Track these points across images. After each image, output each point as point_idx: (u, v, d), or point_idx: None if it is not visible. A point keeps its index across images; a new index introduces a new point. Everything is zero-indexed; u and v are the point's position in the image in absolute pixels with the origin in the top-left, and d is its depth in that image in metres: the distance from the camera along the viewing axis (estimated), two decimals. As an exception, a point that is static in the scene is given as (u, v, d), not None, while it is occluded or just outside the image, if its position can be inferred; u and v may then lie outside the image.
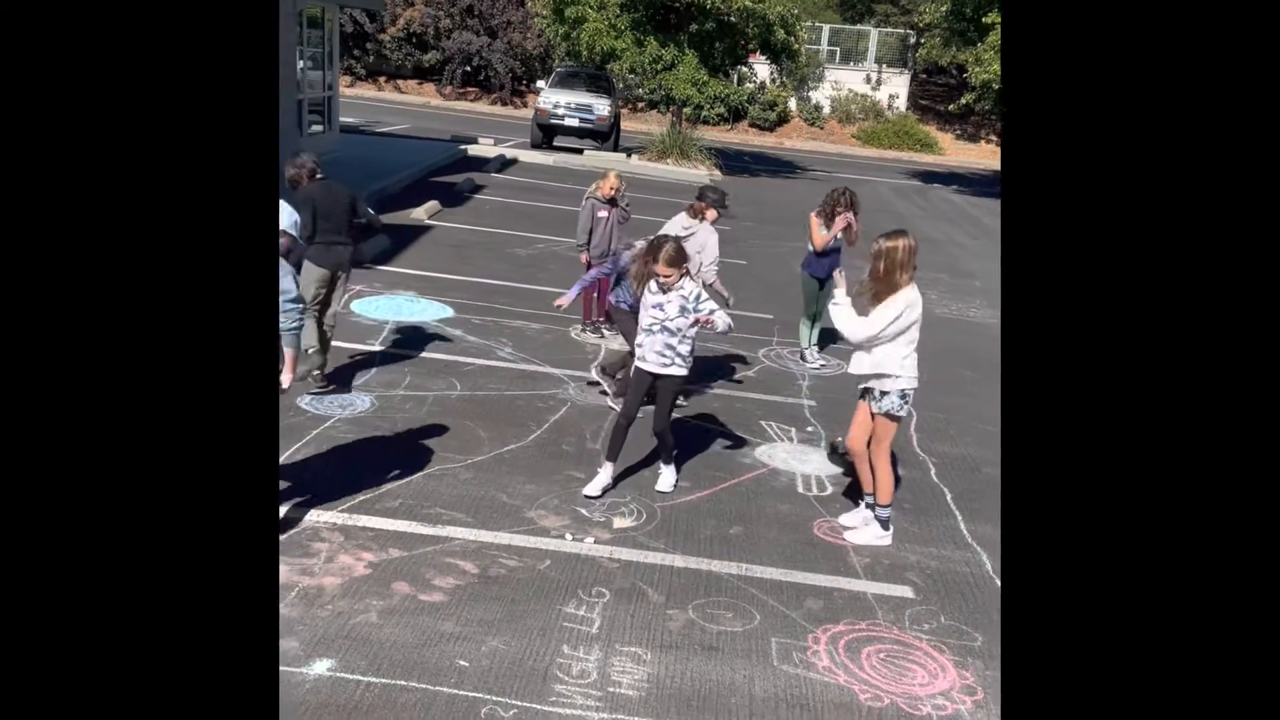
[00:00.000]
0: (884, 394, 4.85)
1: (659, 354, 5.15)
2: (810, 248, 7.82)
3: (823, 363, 8.16)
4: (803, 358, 8.18)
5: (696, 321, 5.10)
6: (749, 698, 3.65)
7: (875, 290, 4.81)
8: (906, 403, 4.89)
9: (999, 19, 20.91)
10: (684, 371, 5.24)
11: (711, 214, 6.98)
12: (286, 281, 4.25)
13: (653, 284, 5.16)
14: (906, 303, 4.74)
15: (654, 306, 5.14)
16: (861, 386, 4.99)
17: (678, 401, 5.89)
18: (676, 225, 6.82)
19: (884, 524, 5.01)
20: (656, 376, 5.19)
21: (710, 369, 7.62)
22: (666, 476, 5.40)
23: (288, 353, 4.30)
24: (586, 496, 5.08)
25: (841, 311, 4.93)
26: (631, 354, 5.70)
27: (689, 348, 5.19)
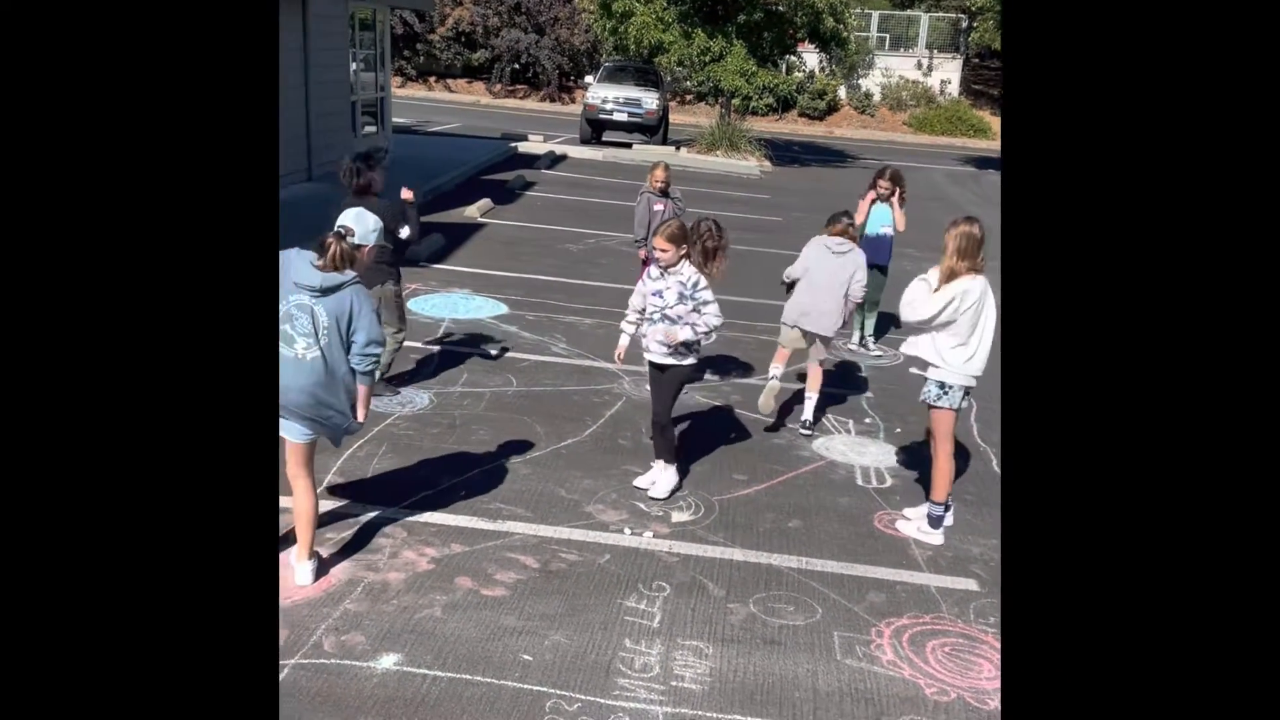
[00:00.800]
0: (925, 381, 4.82)
1: (660, 343, 4.97)
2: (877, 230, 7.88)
3: (879, 353, 8.08)
4: (864, 346, 8.12)
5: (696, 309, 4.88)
6: (813, 692, 3.62)
7: (942, 277, 4.77)
8: (946, 394, 4.74)
9: None
10: (689, 361, 5.01)
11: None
12: (371, 317, 3.91)
13: (653, 269, 5.03)
14: (956, 293, 4.65)
15: (654, 294, 4.98)
16: None
17: (683, 393, 5.39)
18: (820, 249, 6.20)
19: (933, 521, 4.89)
20: (661, 367, 5.03)
21: (765, 361, 7.58)
22: (662, 481, 5.07)
23: (362, 389, 4.03)
24: (653, 499, 5.04)
25: (916, 286, 4.82)
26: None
27: (689, 334, 4.92)
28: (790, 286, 6.36)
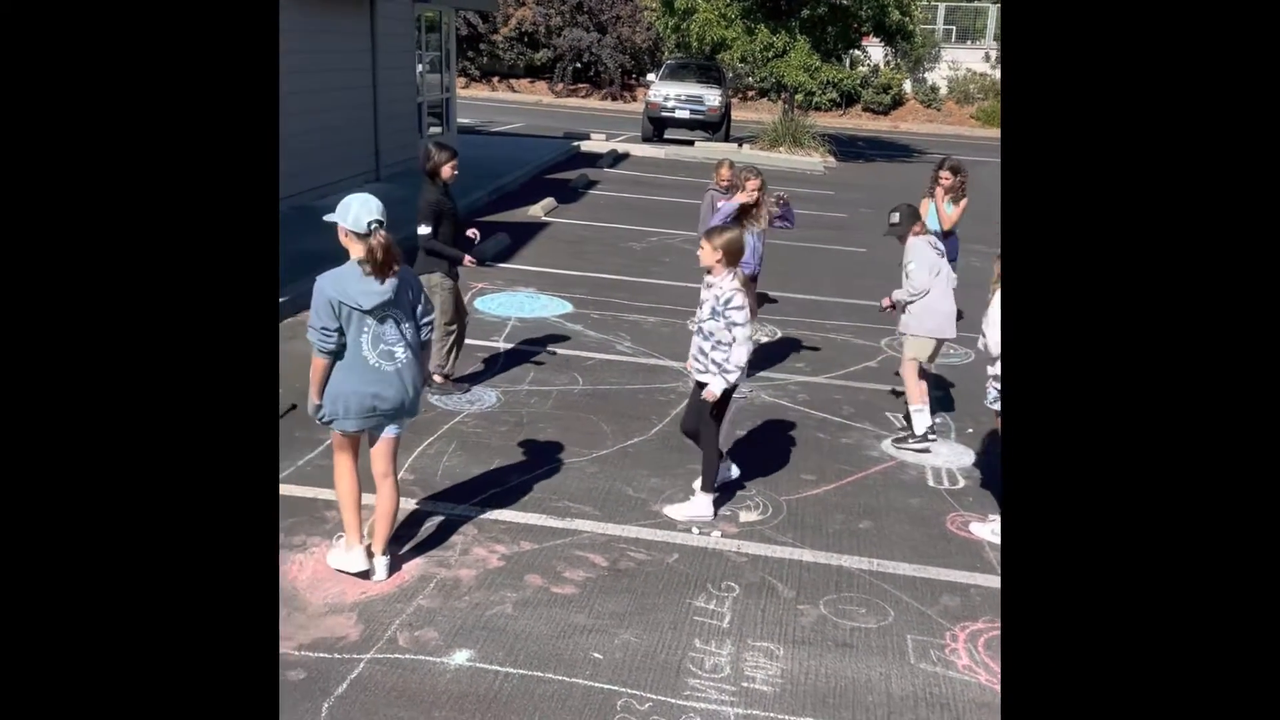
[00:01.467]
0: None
1: (694, 358, 4.69)
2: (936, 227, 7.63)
3: (953, 350, 7.93)
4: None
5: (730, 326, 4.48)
6: (886, 696, 3.57)
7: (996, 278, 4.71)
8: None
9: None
10: (720, 383, 4.55)
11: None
12: (420, 288, 4.05)
13: (707, 277, 4.66)
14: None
15: (700, 304, 4.70)
16: None
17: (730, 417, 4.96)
18: (931, 250, 5.83)
19: None
20: (700, 384, 4.69)
21: (831, 359, 7.51)
22: (688, 505, 4.77)
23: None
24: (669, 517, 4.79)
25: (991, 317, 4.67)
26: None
27: (724, 355, 4.53)
28: (898, 306, 5.95)
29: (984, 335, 4.70)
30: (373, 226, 3.74)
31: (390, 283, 3.79)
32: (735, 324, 4.52)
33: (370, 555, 4.06)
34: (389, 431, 4.00)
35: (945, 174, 7.37)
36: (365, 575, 4.02)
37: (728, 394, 4.68)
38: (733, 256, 4.55)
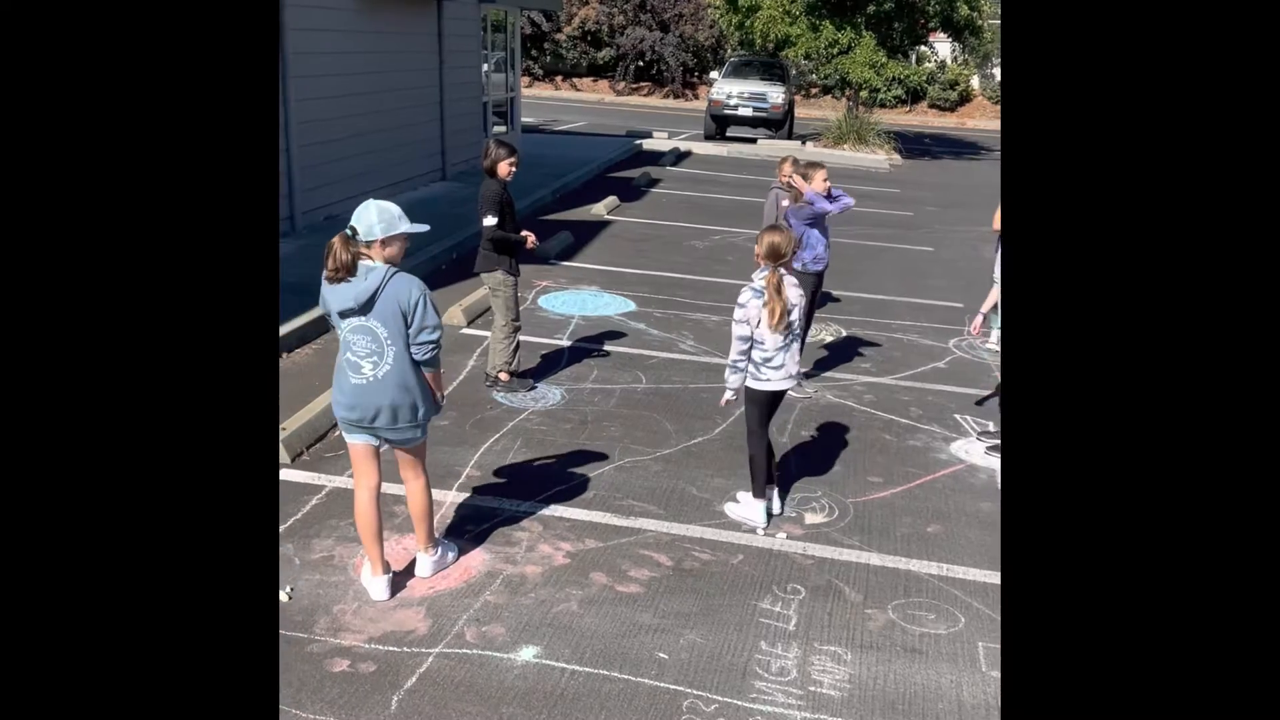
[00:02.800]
0: None
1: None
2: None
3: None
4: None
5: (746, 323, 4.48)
6: (957, 704, 3.50)
7: None
8: None
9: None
10: (734, 382, 4.61)
11: None
12: (424, 305, 3.77)
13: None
14: None
15: None
16: None
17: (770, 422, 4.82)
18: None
19: None
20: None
21: (898, 360, 7.40)
22: (743, 504, 4.78)
23: (429, 374, 3.89)
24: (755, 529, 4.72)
25: None
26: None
27: (737, 355, 4.55)
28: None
29: None
30: (349, 232, 3.66)
31: (359, 291, 3.62)
32: (735, 321, 4.53)
33: (396, 584, 3.97)
34: (394, 444, 3.87)
35: None
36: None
37: (754, 395, 4.63)
38: (770, 255, 4.50)
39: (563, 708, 3.34)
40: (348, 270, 3.62)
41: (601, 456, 5.35)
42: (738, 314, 4.53)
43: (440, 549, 4.14)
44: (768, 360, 4.54)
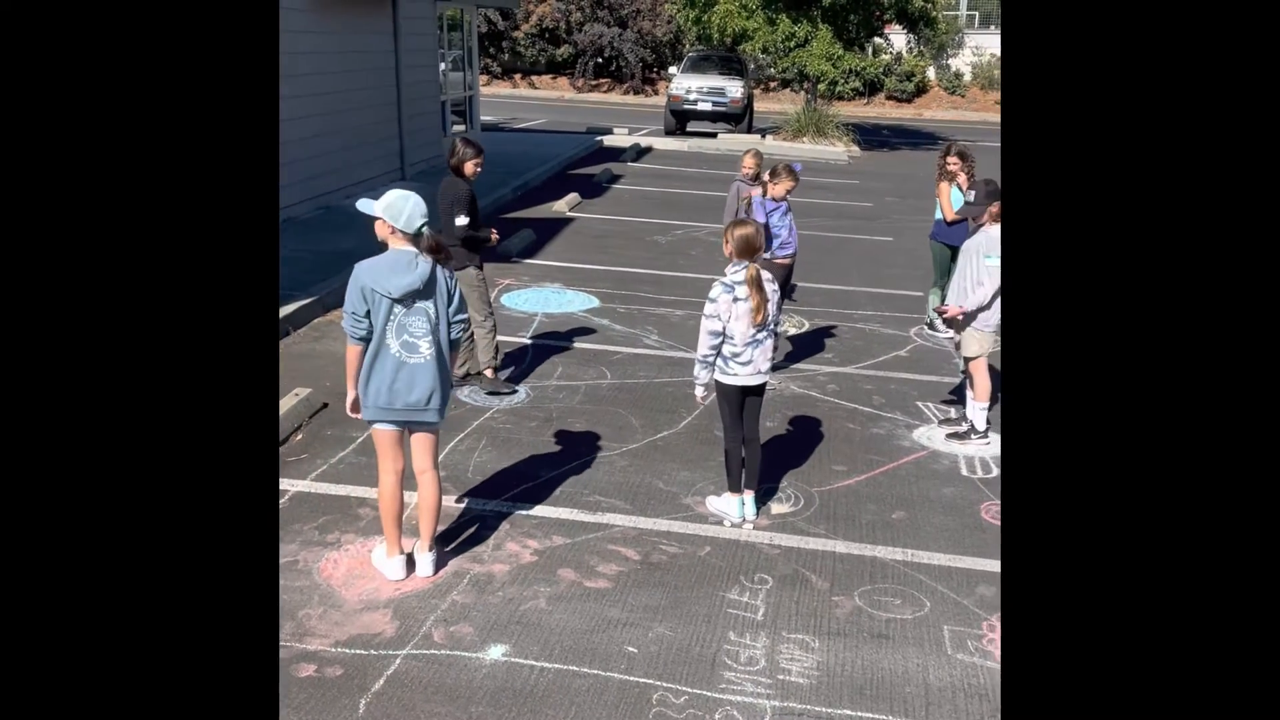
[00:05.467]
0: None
1: None
2: (939, 216, 7.57)
3: (951, 333, 7.85)
4: (931, 327, 7.89)
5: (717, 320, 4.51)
6: (924, 687, 3.54)
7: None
8: None
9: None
10: (704, 377, 4.62)
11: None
12: (456, 287, 4.10)
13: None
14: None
15: None
16: None
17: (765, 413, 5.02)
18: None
19: None
20: None
21: (860, 349, 7.45)
22: (721, 497, 4.75)
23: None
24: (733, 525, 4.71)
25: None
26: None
27: (707, 351, 4.56)
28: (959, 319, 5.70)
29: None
30: (424, 230, 3.88)
31: (423, 272, 3.82)
32: (705, 314, 4.53)
33: (411, 563, 4.07)
34: (423, 427, 4.00)
35: (952, 159, 7.23)
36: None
37: (721, 389, 4.62)
38: (744, 250, 4.49)
39: (532, 705, 3.33)
40: (447, 255, 4.02)
41: (567, 453, 5.34)
42: (708, 309, 4.52)
43: (437, 547, 4.16)
44: (736, 355, 4.55)
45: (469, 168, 5.90)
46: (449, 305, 3.96)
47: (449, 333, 3.97)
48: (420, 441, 4.02)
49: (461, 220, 5.79)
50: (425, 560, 4.07)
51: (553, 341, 7.25)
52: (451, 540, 4.38)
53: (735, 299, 4.47)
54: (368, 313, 3.79)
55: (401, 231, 3.83)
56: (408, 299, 3.81)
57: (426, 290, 3.85)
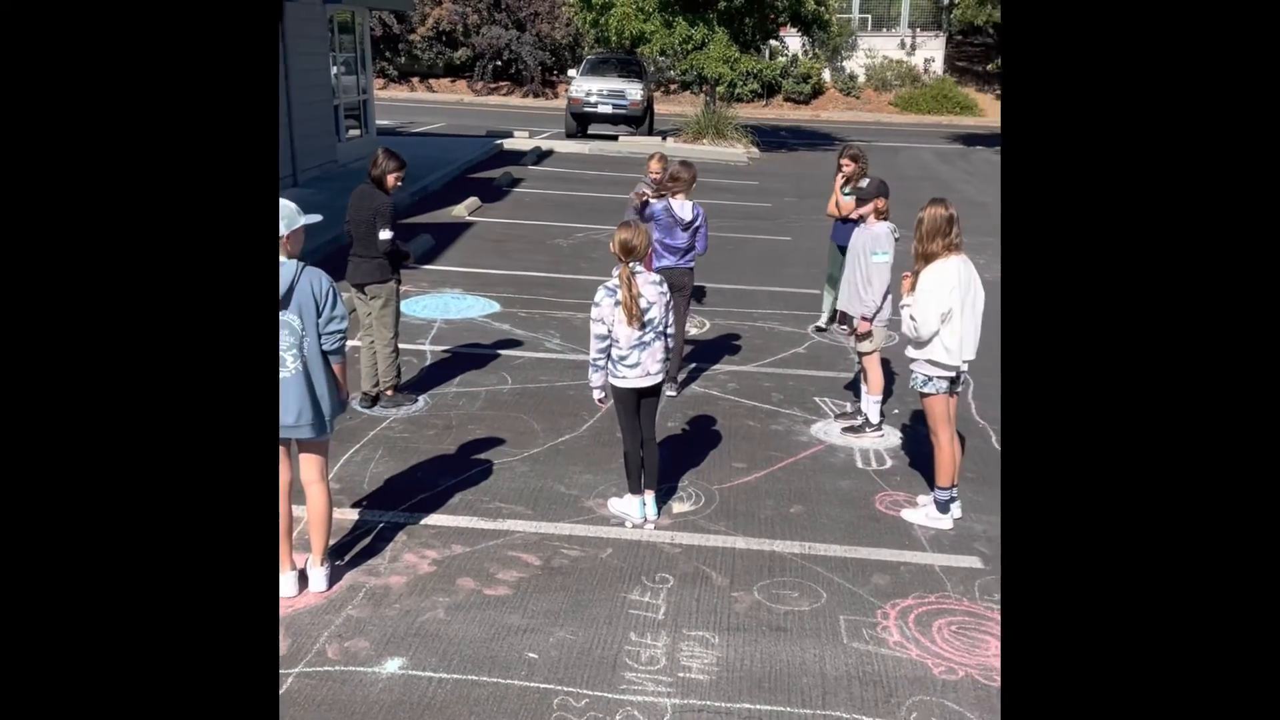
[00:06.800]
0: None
1: None
2: (832, 215, 7.76)
3: (845, 329, 8.02)
4: (819, 330, 8.03)
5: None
6: (820, 677, 3.61)
7: (918, 261, 4.70)
8: (930, 381, 4.67)
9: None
10: (597, 380, 4.64)
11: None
12: (331, 294, 3.89)
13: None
14: (934, 276, 4.58)
15: None
16: None
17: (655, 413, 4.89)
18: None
19: (940, 506, 4.82)
20: None
21: (759, 347, 7.56)
22: (623, 499, 4.80)
23: (336, 366, 3.94)
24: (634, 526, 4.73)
25: (908, 319, 4.68)
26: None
27: (596, 354, 4.59)
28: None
29: (911, 319, 4.67)
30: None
31: (282, 279, 3.64)
32: (591, 318, 4.57)
33: (304, 579, 3.97)
34: (306, 444, 3.88)
35: (846, 161, 7.49)
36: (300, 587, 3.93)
37: (614, 392, 4.66)
38: (622, 251, 4.50)
39: (430, 717, 3.28)
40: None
41: (467, 460, 5.28)
42: (593, 312, 4.55)
43: (330, 561, 4.04)
44: (623, 359, 4.56)
45: (391, 180, 5.85)
46: (319, 315, 3.77)
47: (320, 343, 3.80)
48: (306, 454, 3.92)
49: (386, 234, 5.70)
50: (318, 575, 3.97)
51: (452, 348, 7.16)
52: (346, 553, 4.28)
53: (616, 302, 4.49)
54: None
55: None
56: None
57: (284, 301, 3.67)
